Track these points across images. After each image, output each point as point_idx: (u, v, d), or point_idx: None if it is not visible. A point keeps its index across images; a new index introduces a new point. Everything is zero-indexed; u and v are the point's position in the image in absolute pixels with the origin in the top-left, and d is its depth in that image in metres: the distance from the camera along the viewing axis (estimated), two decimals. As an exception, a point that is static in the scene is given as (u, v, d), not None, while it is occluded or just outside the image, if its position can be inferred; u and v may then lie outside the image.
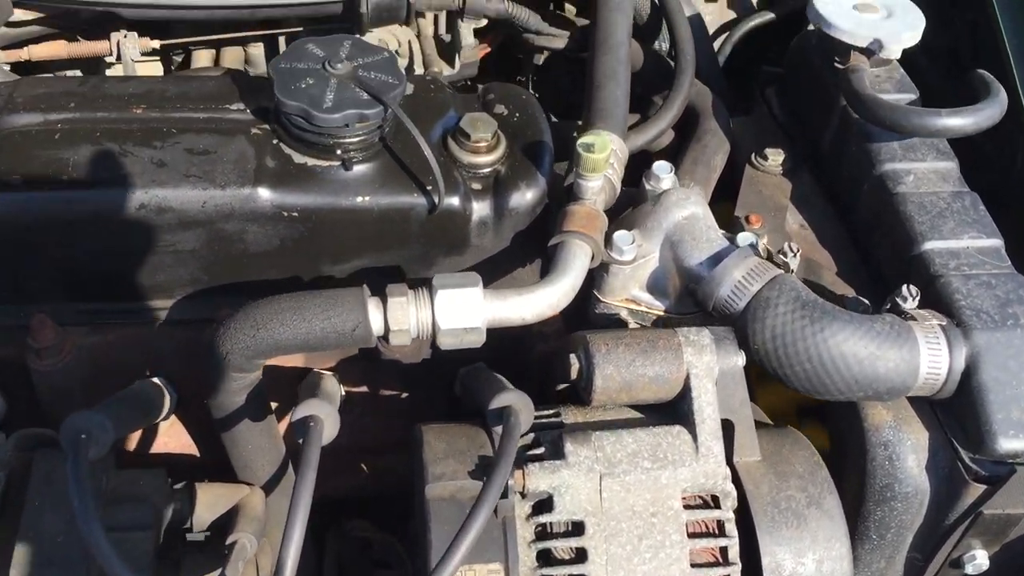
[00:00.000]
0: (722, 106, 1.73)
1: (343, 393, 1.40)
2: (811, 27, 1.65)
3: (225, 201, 1.28)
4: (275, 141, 1.34)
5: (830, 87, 1.58)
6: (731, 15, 2.10)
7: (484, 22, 1.65)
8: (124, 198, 1.26)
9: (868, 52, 1.53)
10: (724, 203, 1.64)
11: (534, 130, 1.43)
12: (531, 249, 1.43)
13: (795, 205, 1.55)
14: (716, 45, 2.06)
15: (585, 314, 1.39)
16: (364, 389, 1.46)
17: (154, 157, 1.30)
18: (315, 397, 1.18)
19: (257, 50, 1.75)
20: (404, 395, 1.46)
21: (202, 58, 1.73)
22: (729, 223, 1.50)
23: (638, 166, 1.53)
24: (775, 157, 1.61)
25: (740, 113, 1.84)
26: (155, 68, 1.77)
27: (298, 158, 1.32)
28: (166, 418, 1.38)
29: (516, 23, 1.66)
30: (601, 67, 1.54)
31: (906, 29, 1.54)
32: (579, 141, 1.30)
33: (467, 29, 1.61)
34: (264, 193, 1.29)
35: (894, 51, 1.52)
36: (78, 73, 1.68)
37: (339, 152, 1.31)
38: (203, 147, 1.31)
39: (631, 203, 1.46)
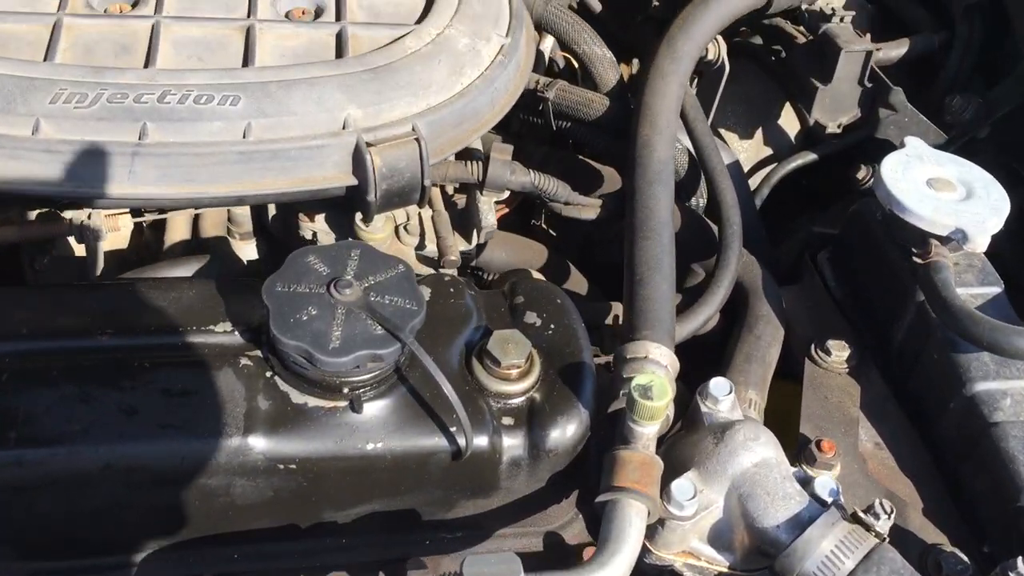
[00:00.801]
0: (772, 281, 1.53)
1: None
2: (868, 180, 1.46)
3: (209, 455, 1.06)
4: (269, 374, 1.12)
5: (902, 274, 1.38)
6: (767, 151, 1.92)
7: (506, 194, 1.44)
8: (86, 459, 1.04)
9: (948, 241, 1.34)
10: (777, 383, 1.44)
11: (572, 347, 1.22)
12: (569, 480, 1.22)
13: (865, 414, 1.35)
14: (752, 183, 1.87)
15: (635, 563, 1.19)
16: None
17: (123, 402, 1.07)
18: None
19: (243, 209, 1.53)
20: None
21: (179, 223, 1.51)
22: (791, 436, 1.30)
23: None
24: (839, 353, 1.41)
25: (785, 275, 1.64)
26: (125, 224, 1.55)
27: (297, 397, 1.11)
28: None
29: (543, 195, 1.45)
30: (642, 255, 1.34)
31: (991, 214, 1.34)
32: (634, 383, 1.10)
33: (487, 205, 1.39)
34: (256, 443, 1.07)
35: (979, 244, 1.32)
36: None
37: (346, 391, 1.10)
38: (182, 387, 1.09)
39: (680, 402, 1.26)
